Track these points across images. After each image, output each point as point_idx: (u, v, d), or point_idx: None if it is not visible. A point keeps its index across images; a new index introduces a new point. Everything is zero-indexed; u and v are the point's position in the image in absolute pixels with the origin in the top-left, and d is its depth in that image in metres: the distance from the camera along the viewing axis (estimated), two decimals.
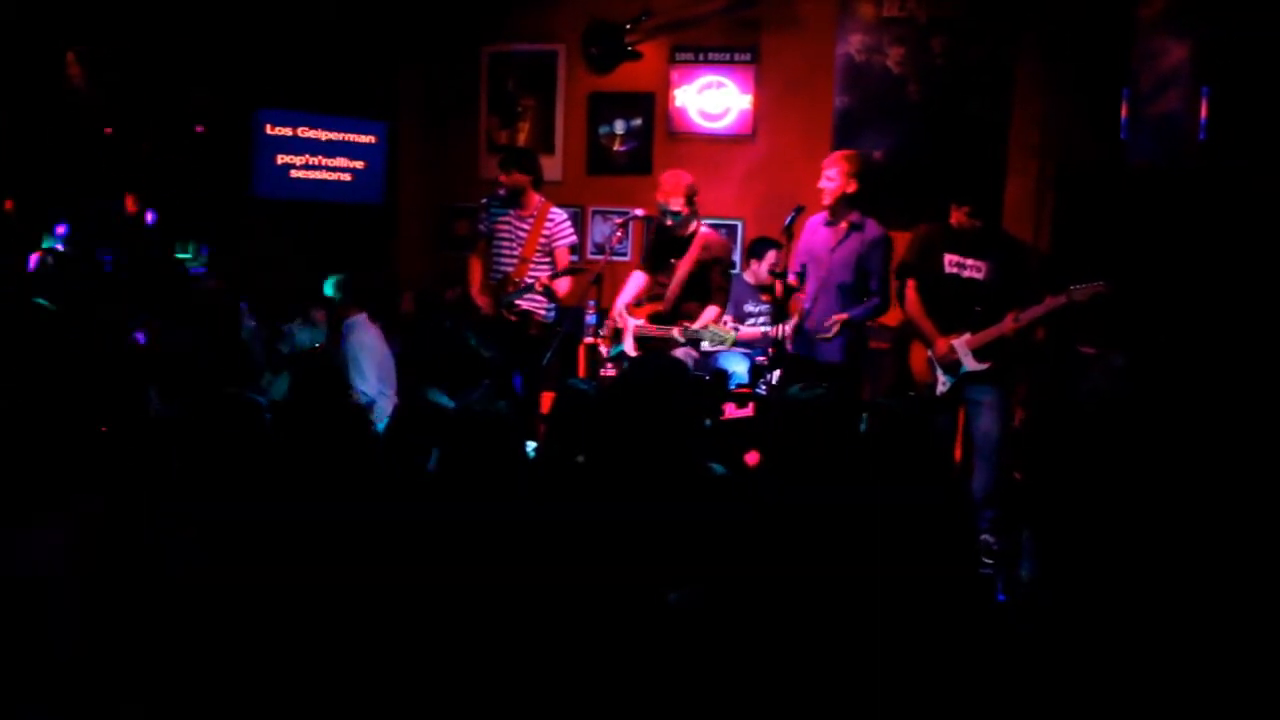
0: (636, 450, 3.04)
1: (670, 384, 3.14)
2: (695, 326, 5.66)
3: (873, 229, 5.59)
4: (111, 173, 6.71)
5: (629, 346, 5.85)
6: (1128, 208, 6.13)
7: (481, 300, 6.31)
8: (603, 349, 5.97)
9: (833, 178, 5.49)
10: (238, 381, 3.76)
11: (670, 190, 5.78)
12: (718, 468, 3.30)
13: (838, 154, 5.57)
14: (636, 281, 6.10)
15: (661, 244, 6.00)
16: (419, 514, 2.86)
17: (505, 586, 2.78)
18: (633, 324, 5.87)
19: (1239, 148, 5.47)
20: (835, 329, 5.41)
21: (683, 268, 5.81)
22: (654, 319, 5.86)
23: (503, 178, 6.32)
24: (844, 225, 5.54)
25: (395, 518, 2.92)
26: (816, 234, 5.65)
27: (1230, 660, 2.96)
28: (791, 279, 5.50)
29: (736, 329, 5.79)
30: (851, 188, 5.49)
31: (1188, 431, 4.99)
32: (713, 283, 5.82)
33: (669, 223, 5.81)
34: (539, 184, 6.39)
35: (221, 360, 3.72)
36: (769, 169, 7.61)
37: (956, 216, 5.28)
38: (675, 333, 5.67)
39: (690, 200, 5.79)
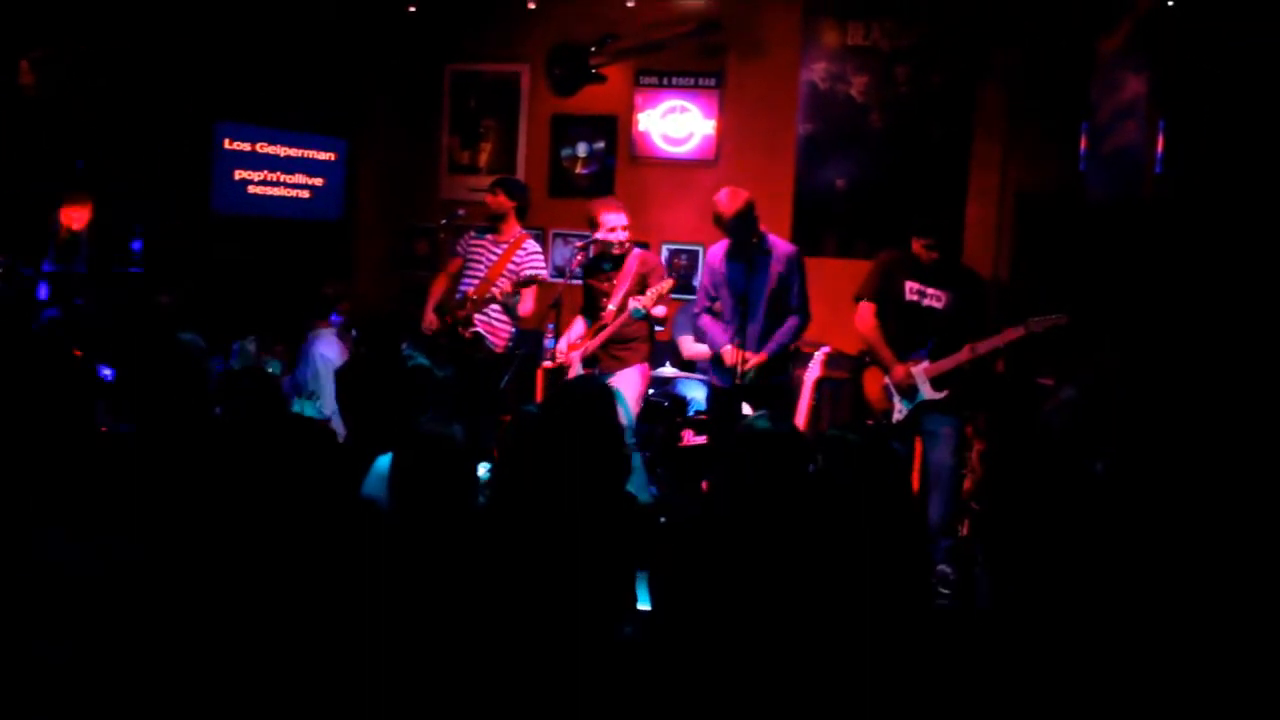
0: (558, 477, 3.04)
1: (590, 409, 3.13)
2: (634, 302, 5.72)
3: (781, 245, 5.67)
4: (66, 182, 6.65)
5: (577, 370, 5.89)
6: (1086, 239, 6.22)
7: (430, 316, 6.28)
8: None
9: (722, 222, 5.55)
10: (183, 400, 3.71)
11: (614, 210, 5.93)
12: (642, 496, 3.29)
13: (715, 203, 5.56)
14: (578, 327, 6.18)
15: (595, 266, 6.11)
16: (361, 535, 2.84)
17: (456, 617, 2.78)
18: (577, 354, 5.93)
19: (1195, 180, 5.56)
20: (751, 372, 5.46)
21: (627, 280, 5.91)
22: (598, 332, 5.92)
23: (488, 198, 6.33)
24: (750, 251, 5.57)
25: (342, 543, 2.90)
26: (726, 264, 5.69)
27: (1194, 690, 2.98)
28: (705, 319, 5.69)
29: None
30: (737, 222, 5.52)
31: (1146, 463, 5.05)
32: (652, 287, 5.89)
33: (616, 251, 5.94)
34: (523, 214, 6.40)
35: (165, 377, 3.69)
36: None
37: (916, 247, 5.35)
38: (631, 302, 5.70)
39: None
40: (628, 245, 6.00)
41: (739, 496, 3.02)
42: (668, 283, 5.65)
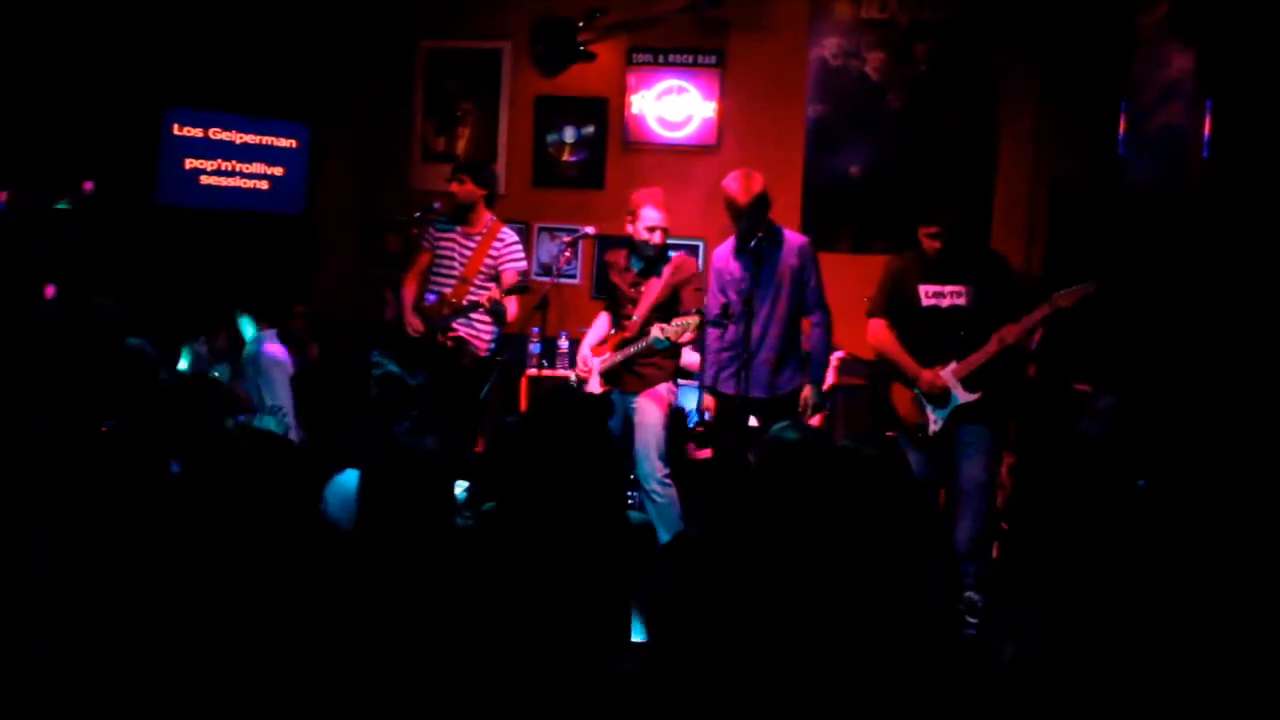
0: (542, 495, 3.00)
1: (576, 420, 3.10)
2: (658, 331, 5.58)
3: (792, 237, 5.66)
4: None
5: (595, 386, 5.79)
6: (1125, 230, 6.17)
7: (413, 319, 6.20)
8: None
9: (737, 210, 5.52)
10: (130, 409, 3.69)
11: (654, 205, 5.83)
12: (635, 515, 3.29)
13: (726, 189, 5.54)
14: (601, 325, 6.09)
15: (625, 263, 6.00)
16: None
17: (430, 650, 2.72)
18: (597, 363, 5.84)
19: (1246, 165, 5.52)
20: (814, 416, 5.55)
21: (655, 289, 5.80)
22: (621, 346, 5.82)
23: (454, 186, 6.23)
24: (761, 244, 5.52)
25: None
26: (732, 263, 5.66)
27: None
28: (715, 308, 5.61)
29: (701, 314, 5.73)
30: (755, 209, 5.51)
31: (1188, 474, 5.00)
32: (685, 304, 5.78)
33: (652, 254, 5.83)
34: (492, 201, 6.32)
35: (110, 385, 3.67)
36: None
37: (924, 240, 5.29)
38: (655, 332, 5.57)
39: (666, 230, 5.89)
40: (662, 248, 5.87)
41: (763, 517, 2.98)
42: (693, 319, 5.53)
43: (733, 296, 5.60)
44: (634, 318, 5.80)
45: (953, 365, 5.22)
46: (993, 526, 5.51)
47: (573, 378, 6.04)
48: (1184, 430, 5.41)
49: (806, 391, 5.58)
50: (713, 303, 5.72)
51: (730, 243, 5.70)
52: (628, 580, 3.06)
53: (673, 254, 5.90)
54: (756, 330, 5.50)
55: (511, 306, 6.10)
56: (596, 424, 3.19)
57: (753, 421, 5.67)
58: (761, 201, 5.50)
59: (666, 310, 5.74)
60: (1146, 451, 5.49)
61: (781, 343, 5.59)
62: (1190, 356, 5.61)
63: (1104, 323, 5.60)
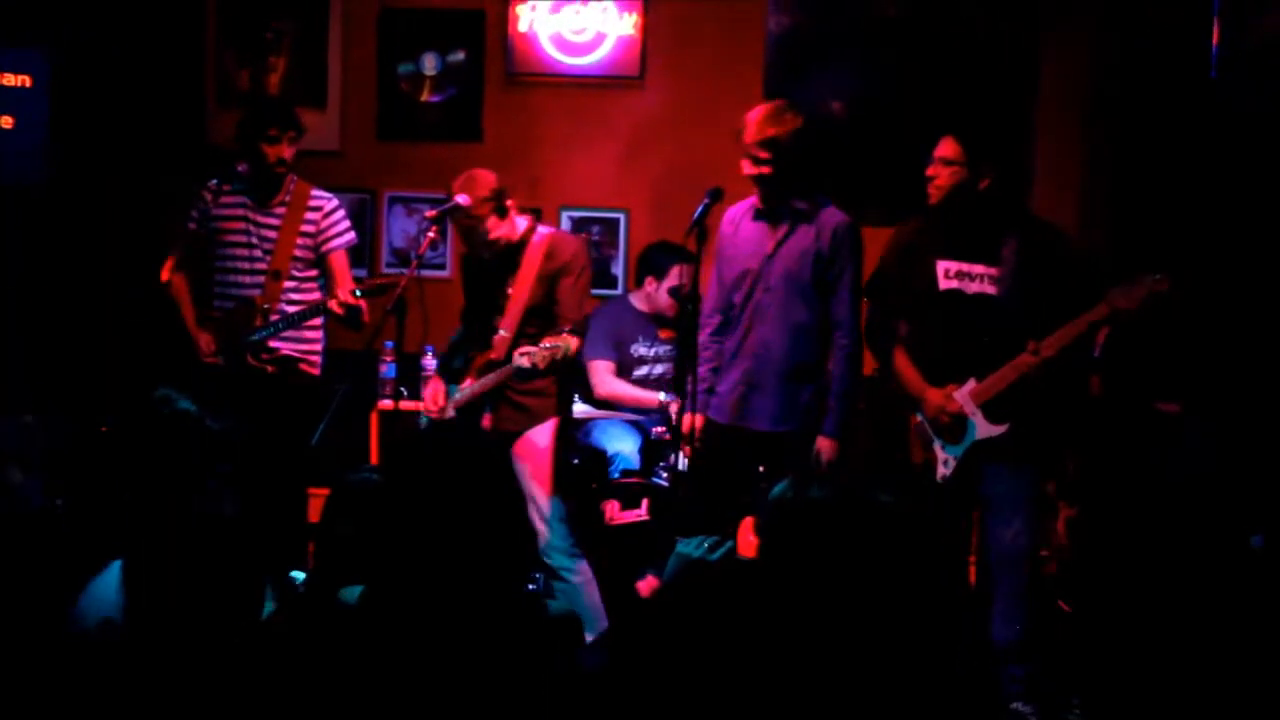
0: (409, 584, 3.00)
1: (460, 473, 3.09)
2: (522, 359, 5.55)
3: (832, 215, 5.66)
4: None
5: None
6: (1220, 177, 6.26)
7: (202, 337, 6.16)
8: None
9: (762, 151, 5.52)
10: None
11: (466, 186, 5.78)
12: (554, 604, 3.32)
13: (760, 111, 5.58)
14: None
15: (480, 267, 6.04)
16: None
17: None
18: (455, 394, 5.89)
19: None
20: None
21: (518, 294, 5.83)
22: (485, 371, 5.85)
23: (285, 150, 6.11)
24: (785, 217, 5.60)
25: None
26: (741, 232, 5.71)
27: None
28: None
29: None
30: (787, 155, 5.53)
31: None
32: (563, 306, 5.79)
33: (492, 237, 5.80)
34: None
35: None
36: (666, 131, 7.66)
37: (934, 175, 5.25)
38: (518, 359, 5.54)
39: (499, 203, 5.80)
40: (520, 230, 5.85)
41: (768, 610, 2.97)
42: (567, 343, 5.50)
43: (730, 278, 5.68)
44: (502, 332, 5.83)
45: (970, 384, 5.24)
46: (1045, 609, 5.55)
47: (421, 418, 6.02)
48: None
49: (823, 446, 5.59)
50: (711, 293, 5.79)
51: (749, 203, 5.72)
52: (548, 700, 3.03)
53: (541, 230, 5.92)
54: (765, 333, 5.59)
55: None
56: (487, 473, 3.20)
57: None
58: (796, 144, 5.52)
59: (543, 315, 5.79)
60: (1261, 496, 5.57)
61: (796, 354, 5.62)
62: None
63: (1195, 318, 5.66)
